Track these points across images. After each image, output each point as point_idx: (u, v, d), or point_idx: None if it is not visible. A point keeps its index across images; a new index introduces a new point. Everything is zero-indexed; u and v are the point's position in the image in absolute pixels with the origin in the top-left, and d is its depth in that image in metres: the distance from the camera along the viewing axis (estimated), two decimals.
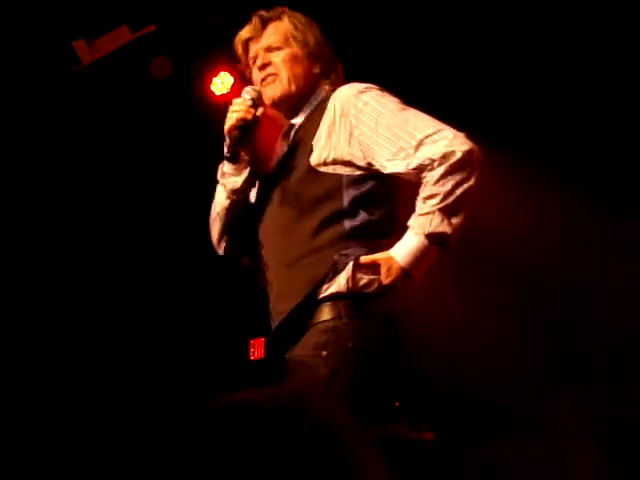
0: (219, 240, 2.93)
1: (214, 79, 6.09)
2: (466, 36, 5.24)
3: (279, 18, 2.85)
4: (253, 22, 2.86)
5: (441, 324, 4.93)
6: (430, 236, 2.46)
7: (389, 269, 2.51)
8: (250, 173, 2.83)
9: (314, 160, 2.61)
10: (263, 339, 5.41)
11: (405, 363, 2.54)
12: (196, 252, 4.99)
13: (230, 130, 2.73)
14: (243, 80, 2.95)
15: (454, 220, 2.46)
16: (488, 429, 4.97)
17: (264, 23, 2.85)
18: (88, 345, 5.84)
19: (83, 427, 5.64)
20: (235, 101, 2.77)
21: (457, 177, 2.44)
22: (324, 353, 2.48)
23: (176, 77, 5.65)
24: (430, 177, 2.46)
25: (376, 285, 2.51)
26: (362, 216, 2.58)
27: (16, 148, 5.73)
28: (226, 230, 2.90)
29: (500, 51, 5.23)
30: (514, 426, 4.93)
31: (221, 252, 2.95)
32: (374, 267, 2.53)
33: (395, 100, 2.63)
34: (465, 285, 5.05)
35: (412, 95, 2.74)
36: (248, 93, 2.77)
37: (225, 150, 2.73)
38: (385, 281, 2.52)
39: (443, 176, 2.44)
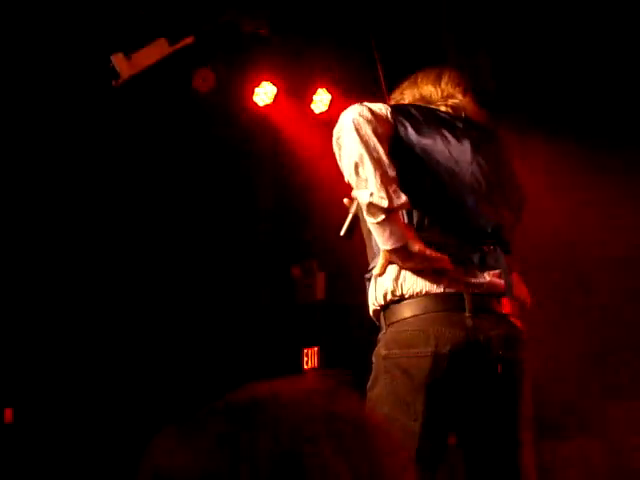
0: None
1: (256, 89, 6.22)
2: None
3: None
4: None
5: None
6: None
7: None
8: None
9: None
10: (317, 348, 6.20)
11: (440, 366, 2.63)
12: (248, 262, 6.48)
13: None
14: None
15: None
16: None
17: None
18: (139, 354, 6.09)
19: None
20: None
21: None
22: (373, 363, 2.78)
23: (219, 89, 5.97)
24: None
25: (399, 293, 2.72)
26: None
27: (55, 164, 5.61)
28: None
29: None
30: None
31: None
32: (387, 275, 2.76)
33: None
34: None
35: None
36: None
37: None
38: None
39: None
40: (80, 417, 5.87)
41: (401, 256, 2.67)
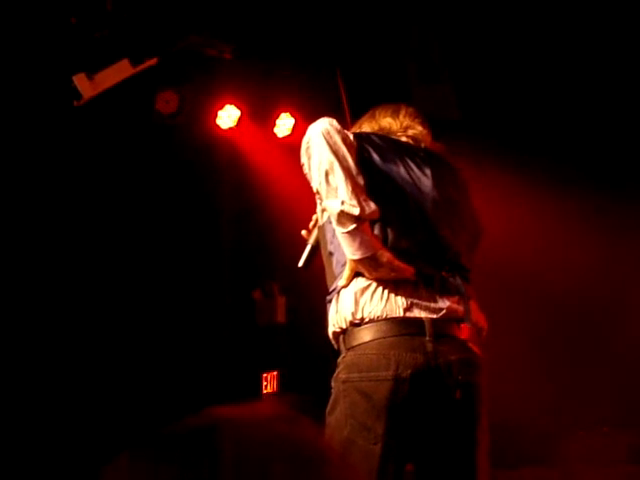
0: None
1: (220, 112, 6.13)
2: None
3: None
4: None
5: None
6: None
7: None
8: None
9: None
10: (276, 372, 6.20)
11: (401, 390, 2.62)
12: (209, 285, 6.55)
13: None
14: None
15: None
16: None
17: None
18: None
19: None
20: None
21: None
22: (332, 387, 2.76)
23: (182, 111, 5.98)
24: None
25: (360, 316, 2.71)
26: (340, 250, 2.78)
27: (14, 185, 5.57)
28: None
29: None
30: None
31: None
32: (348, 297, 2.74)
33: None
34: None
35: None
36: None
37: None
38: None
39: None
40: (44, 437, 5.86)
41: (369, 266, 2.68)
